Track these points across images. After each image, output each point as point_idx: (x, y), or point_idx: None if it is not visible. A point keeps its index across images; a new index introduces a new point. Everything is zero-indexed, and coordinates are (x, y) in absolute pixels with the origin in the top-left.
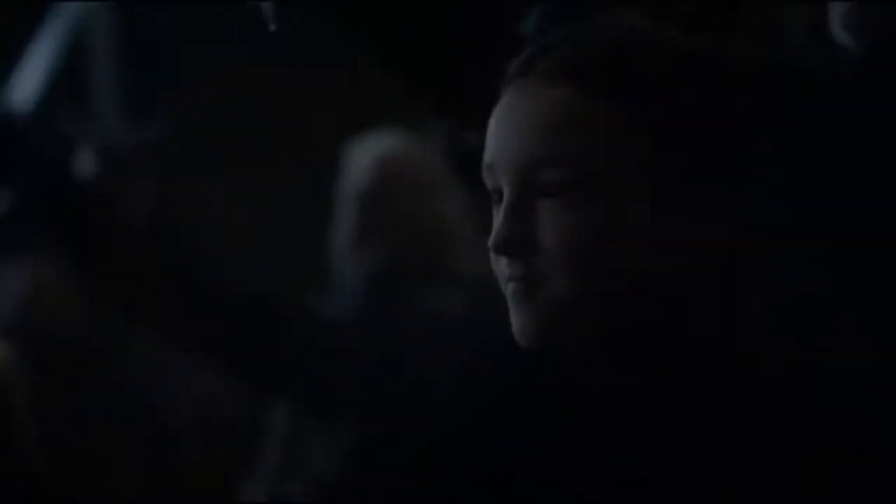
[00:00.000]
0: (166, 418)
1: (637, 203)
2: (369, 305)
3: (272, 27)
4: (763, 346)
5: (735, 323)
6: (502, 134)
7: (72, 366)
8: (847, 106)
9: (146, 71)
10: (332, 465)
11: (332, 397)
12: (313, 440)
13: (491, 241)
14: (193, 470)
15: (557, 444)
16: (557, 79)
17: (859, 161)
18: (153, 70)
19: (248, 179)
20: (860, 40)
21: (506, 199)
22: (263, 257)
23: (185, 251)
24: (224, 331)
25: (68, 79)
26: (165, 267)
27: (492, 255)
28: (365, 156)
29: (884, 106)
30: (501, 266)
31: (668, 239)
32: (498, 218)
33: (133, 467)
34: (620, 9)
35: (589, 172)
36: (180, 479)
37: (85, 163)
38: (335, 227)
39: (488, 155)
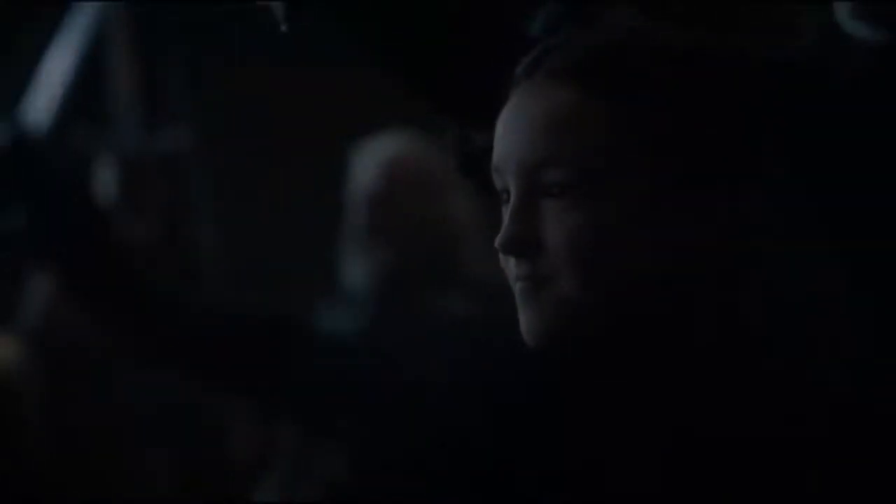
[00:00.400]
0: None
1: (639, 203)
2: (378, 308)
3: (283, 27)
4: (763, 346)
5: (735, 322)
6: (508, 135)
7: (87, 371)
8: (852, 104)
9: (163, 81)
10: (342, 469)
11: (342, 400)
12: (322, 444)
13: (498, 240)
14: (205, 475)
15: (565, 445)
16: (561, 79)
17: (862, 160)
18: (170, 79)
19: (257, 180)
20: (875, 31)
21: (512, 199)
22: (271, 260)
23: (189, 269)
24: (229, 342)
25: (84, 89)
26: (169, 286)
27: (501, 255)
28: (372, 158)
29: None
30: (510, 265)
31: (669, 239)
32: (505, 218)
33: (146, 471)
34: (626, 8)
35: (590, 173)
36: (191, 485)
37: (102, 173)
38: (343, 230)
39: (496, 156)
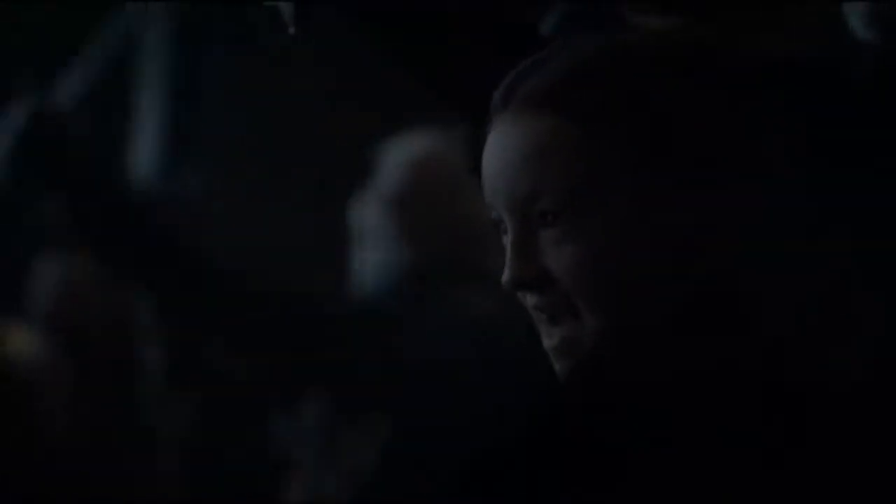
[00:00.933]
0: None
1: (631, 218)
2: (404, 305)
3: (291, 28)
4: (766, 347)
5: (737, 322)
6: (493, 171)
7: (103, 356)
8: (856, 105)
9: (184, 123)
10: (368, 461)
11: (368, 394)
12: (351, 434)
13: (504, 279)
14: (225, 463)
15: (581, 442)
16: (535, 108)
17: (865, 161)
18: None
19: (280, 180)
20: (885, 36)
21: (510, 235)
22: (294, 259)
23: (218, 251)
24: (259, 324)
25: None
26: (201, 265)
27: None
28: (397, 157)
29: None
30: (527, 300)
31: (670, 246)
32: (507, 254)
33: (164, 460)
34: (632, 7)
35: (578, 197)
36: (213, 472)
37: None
38: (368, 230)
39: (486, 192)
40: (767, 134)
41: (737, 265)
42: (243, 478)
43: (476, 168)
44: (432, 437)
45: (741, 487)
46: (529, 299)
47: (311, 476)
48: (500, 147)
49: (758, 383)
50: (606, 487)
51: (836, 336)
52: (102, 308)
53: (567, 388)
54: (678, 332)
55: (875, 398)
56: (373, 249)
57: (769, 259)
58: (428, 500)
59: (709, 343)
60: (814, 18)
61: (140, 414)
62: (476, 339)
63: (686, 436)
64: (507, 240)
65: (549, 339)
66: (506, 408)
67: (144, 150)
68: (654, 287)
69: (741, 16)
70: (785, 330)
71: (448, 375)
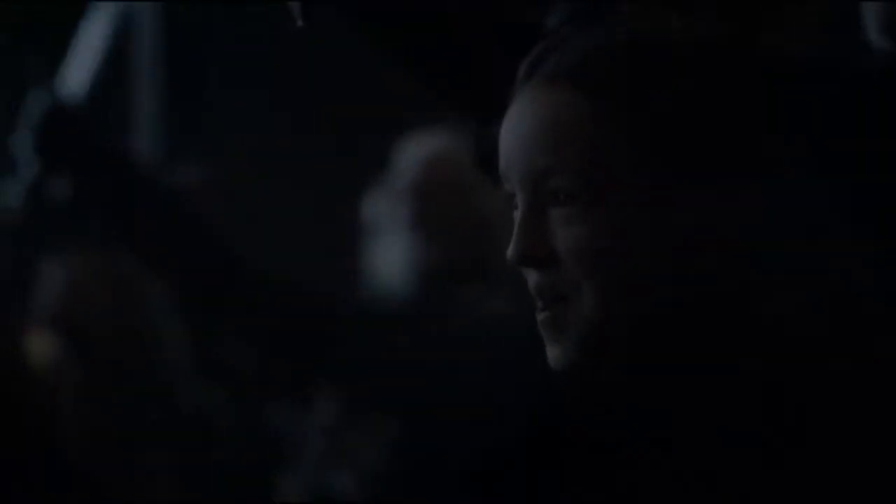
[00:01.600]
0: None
1: (646, 206)
2: (418, 303)
3: (299, 22)
4: (775, 345)
5: (745, 321)
6: (510, 143)
7: (110, 358)
8: (860, 104)
9: (182, 113)
10: (377, 459)
11: (379, 392)
12: (357, 433)
13: (509, 253)
14: (233, 461)
15: (582, 442)
16: (557, 83)
17: (867, 160)
18: (189, 111)
19: (290, 178)
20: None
21: (520, 209)
22: (301, 257)
23: (230, 238)
24: (269, 318)
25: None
26: (215, 253)
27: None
28: (411, 155)
29: None
30: (529, 279)
31: (677, 241)
32: (515, 229)
33: (171, 458)
34: (635, 4)
35: (593, 178)
36: (219, 470)
37: None
38: (382, 228)
39: (501, 164)
40: (769, 133)
41: (738, 264)
42: (248, 477)
43: (483, 167)
44: (438, 437)
45: (741, 487)
46: (532, 277)
47: (316, 475)
48: (518, 120)
49: (758, 383)
50: (608, 487)
51: (837, 336)
52: (107, 309)
53: (567, 387)
54: (678, 331)
55: (875, 398)
56: (383, 247)
57: (771, 258)
58: (434, 500)
59: (709, 342)
60: (814, 18)
61: (144, 414)
62: (482, 338)
63: (686, 435)
64: (517, 215)
65: (542, 313)
66: (511, 407)
67: (145, 145)
68: (655, 282)
69: (741, 16)
70: (785, 330)
71: (454, 375)
